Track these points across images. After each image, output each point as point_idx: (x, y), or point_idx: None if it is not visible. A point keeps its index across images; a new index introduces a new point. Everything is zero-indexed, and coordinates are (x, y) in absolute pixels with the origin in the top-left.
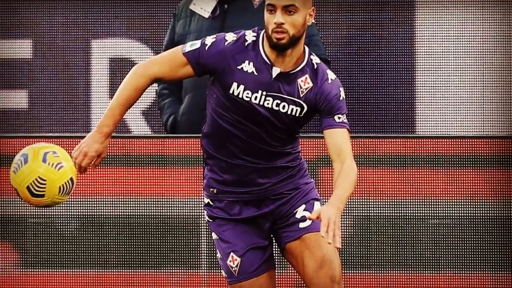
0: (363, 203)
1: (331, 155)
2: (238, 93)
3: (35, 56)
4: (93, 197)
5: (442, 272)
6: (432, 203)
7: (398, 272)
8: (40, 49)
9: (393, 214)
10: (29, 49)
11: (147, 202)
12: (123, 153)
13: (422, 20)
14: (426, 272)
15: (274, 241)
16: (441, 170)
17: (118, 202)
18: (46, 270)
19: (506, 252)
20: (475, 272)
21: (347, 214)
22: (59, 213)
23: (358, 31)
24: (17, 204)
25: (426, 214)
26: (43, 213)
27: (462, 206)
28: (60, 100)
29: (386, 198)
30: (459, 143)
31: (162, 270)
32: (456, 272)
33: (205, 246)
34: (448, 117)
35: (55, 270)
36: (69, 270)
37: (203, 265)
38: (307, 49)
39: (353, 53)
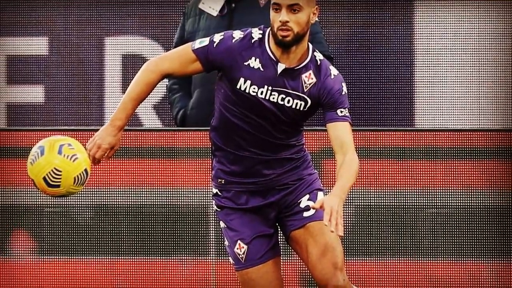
0: (364, 193)
1: (333, 148)
2: (245, 88)
3: (51, 53)
4: (106, 188)
5: (441, 260)
6: (430, 194)
7: (396, 259)
8: (56, 46)
9: (393, 204)
10: (45, 46)
11: (158, 192)
12: (135, 145)
13: (420, 18)
14: (424, 259)
15: (279, 229)
16: (439, 162)
17: (130, 192)
18: (62, 258)
19: (504, 241)
20: (473, 260)
21: (349, 204)
22: (74, 203)
23: (359, 28)
24: (34, 194)
25: (424, 204)
26: (59, 203)
27: (459, 196)
28: (75, 95)
29: (386, 189)
30: (456, 135)
31: (172, 257)
32: (454, 259)
33: (213, 234)
34: (445, 111)
35: (71, 258)
36: (84, 257)
37: (211, 253)
38: (310, 46)
39: (355, 49)
